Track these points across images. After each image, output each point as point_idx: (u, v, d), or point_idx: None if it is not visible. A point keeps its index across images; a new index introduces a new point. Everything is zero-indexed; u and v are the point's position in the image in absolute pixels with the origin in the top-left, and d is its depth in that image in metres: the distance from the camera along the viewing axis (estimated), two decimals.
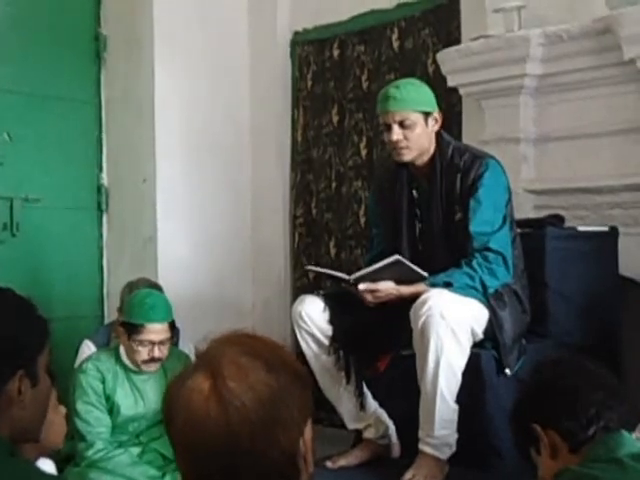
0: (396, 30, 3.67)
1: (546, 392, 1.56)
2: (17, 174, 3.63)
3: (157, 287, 3.20)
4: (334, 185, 3.95)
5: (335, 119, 3.93)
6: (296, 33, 4.09)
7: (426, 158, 2.52)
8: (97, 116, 3.96)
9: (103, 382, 2.78)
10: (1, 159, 3.57)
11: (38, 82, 3.71)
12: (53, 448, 1.65)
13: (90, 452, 2.71)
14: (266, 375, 1.02)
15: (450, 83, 3.21)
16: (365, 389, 2.57)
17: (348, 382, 2.54)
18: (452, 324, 2.26)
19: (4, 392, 1.20)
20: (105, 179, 3.97)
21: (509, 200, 2.51)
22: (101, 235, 3.98)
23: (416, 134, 2.45)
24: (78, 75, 3.88)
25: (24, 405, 1.23)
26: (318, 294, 2.57)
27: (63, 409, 1.67)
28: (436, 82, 3.25)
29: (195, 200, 3.95)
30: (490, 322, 2.41)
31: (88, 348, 3.19)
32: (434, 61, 3.39)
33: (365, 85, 3.80)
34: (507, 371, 2.42)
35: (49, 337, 1.30)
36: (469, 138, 3.16)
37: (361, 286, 2.38)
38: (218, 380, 1.00)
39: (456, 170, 2.47)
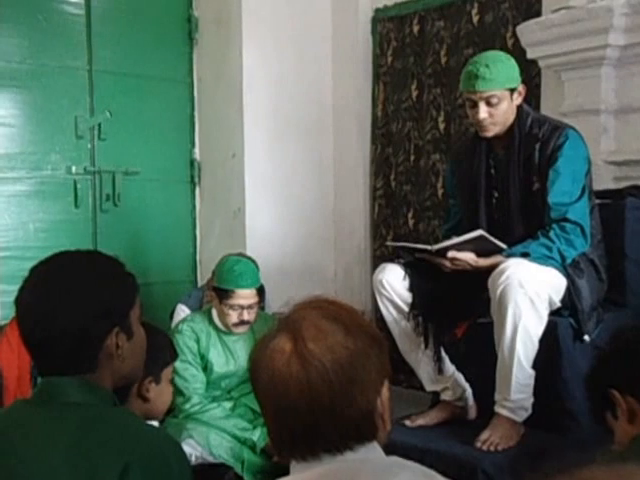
0: (476, 5, 3.53)
1: (626, 358, 1.49)
2: (118, 149, 3.71)
3: (251, 261, 3.21)
4: (413, 158, 3.87)
5: (414, 94, 3.84)
6: (377, 10, 4.00)
7: (505, 128, 2.43)
8: (190, 94, 3.99)
9: (198, 342, 2.84)
10: (104, 135, 3.66)
11: (136, 63, 3.76)
12: (156, 416, 1.69)
13: (187, 405, 2.79)
14: (344, 338, 1.01)
15: (530, 55, 3.08)
16: (443, 353, 2.53)
17: (427, 347, 2.50)
18: (530, 292, 2.20)
19: (103, 349, 1.24)
20: (197, 154, 4.01)
21: (588, 171, 2.40)
22: (194, 206, 4.03)
23: (502, 110, 2.36)
24: (172, 56, 3.91)
25: (123, 358, 1.26)
26: (398, 263, 2.52)
27: (172, 387, 1.72)
28: (515, 55, 3.11)
29: (280, 174, 3.94)
30: (567, 290, 2.33)
31: (182, 311, 3.27)
32: (513, 34, 3.25)
33: (444, 60, 3.69)
34: (585, 337, 2.34)
35: (138, 291, 1.31)
36: (547, 110, 3.03)
37: (450, 253, 2.32)
38: (299, 342, 1.00)
39: (535, 140, 2.38)
